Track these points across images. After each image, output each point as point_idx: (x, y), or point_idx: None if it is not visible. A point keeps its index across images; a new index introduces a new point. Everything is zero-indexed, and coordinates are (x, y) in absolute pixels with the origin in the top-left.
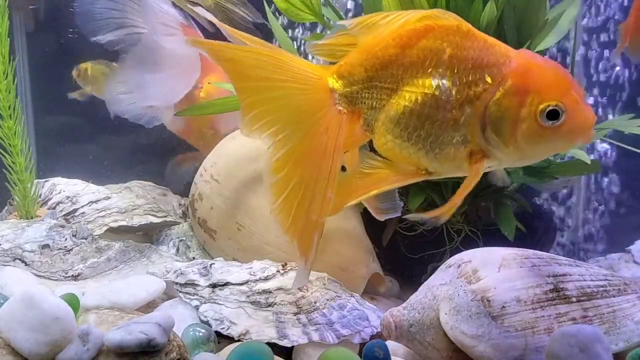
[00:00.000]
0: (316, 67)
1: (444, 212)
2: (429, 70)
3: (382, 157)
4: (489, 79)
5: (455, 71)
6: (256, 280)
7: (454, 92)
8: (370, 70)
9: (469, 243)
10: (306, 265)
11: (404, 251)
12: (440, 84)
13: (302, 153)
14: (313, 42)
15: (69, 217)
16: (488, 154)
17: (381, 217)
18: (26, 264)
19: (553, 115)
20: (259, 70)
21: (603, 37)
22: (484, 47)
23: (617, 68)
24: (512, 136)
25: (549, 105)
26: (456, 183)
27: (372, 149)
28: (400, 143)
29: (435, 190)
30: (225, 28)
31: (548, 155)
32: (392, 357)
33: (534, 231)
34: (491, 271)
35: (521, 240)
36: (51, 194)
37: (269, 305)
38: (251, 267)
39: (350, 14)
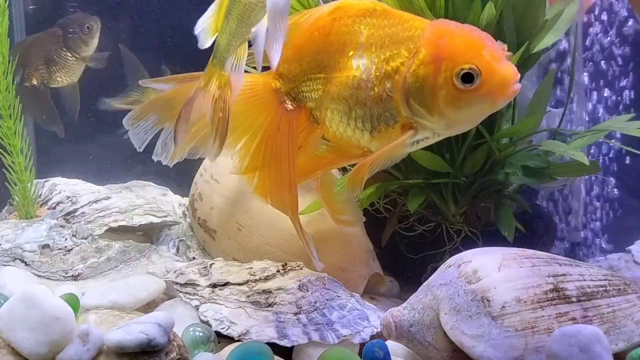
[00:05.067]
0: (260, 75)
1: (365, 165)
2: (350, 54)
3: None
4: (405, 53)
5: (373, 50)
6: (256, 280)
7: (373, 70)
8: (303, 63)
9: (469, 243)
10: (308, 246)
11: (404, 251)
12: (360, 65)
13: (265, 154)
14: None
15: (69, 217)
16: (417, 125)
17: (340, 226)
18: (26, 264)
19: (468, 77)
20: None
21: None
22: (399, 23)
23: None
24: (435, 104)
25: (462, 69)
26: (455, 184)
27: None
28: (340, 128)
29: (435, 192)
30: (161, 82)
31: (476, 119)
32: (392, 357)
33: (534, 231)
34: (491, 271)
35: (521, 241)
36: (51, 194)
37: (269, 305)
38: (251, 267)
39: None
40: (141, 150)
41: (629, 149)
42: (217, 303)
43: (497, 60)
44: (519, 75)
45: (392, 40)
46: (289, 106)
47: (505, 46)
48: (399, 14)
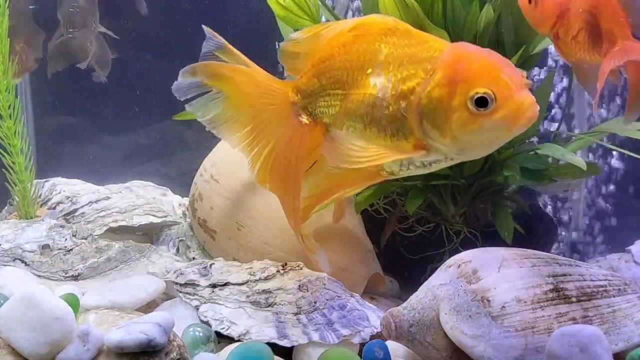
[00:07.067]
0: (280, 82)
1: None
2: (368, 71)
3: None
4: (422, 73)
5: (391, 69)
6: (256, 280)
7: (389, 89)
8: (322, 79)
9: (468, 244)
10: (313, 258)
11: (404, 252)
12: (377, 83)
13: (274, 164)
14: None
15: (69, 217)
16: (429, 146)
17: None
18: (26, 264)
19: (482, 102)
20: (245, 87)
21: None
22: (419, 44)
23: None
24: (448, 127)
25: (477, 93)
26: (454, 185)
27: None
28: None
29: (434, 193)
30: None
31: (490, 146)
32: (392, 357)
33: (534, 232)
34: (491, 271)
35: (521, 241)
36: (51, 194)
37: (269, 305)
38: (251, 267)
39: (350, 15)
40: (182, 100)
41: (626, 152)
42: (217, 303)
43: (514, 87)
44: (537, 106)
45: (411, 60)
46: (305, 120)
47: (525, 73)
48: (420, 35)
